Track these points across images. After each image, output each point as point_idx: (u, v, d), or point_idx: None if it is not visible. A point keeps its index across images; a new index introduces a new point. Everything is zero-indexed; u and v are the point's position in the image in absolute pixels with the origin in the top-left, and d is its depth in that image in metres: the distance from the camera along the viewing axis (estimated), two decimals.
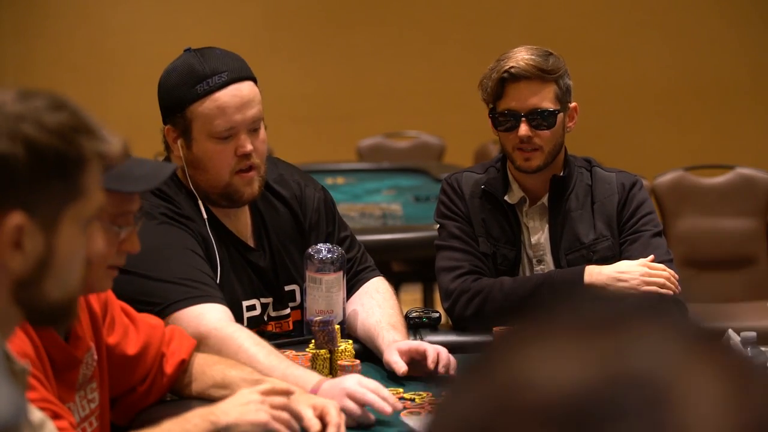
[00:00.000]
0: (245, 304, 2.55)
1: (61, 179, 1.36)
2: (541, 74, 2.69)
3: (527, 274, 2.80)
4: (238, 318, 2.47)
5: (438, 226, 2.87)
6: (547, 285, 2.66)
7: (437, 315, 2.73)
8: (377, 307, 2.59)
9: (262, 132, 2.52)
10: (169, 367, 2.19)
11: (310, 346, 2.45)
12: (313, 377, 2.22)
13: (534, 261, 2.81)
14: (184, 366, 2.21)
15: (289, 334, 2.64)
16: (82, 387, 1.96)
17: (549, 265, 2.80)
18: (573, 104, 2.78)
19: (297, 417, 2.03)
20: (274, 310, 2.62)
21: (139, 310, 2.29)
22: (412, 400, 2.30)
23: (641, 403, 0.61)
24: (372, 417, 2.14)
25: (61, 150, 1.36)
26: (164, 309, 2.34)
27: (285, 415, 1.97)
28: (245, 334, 2.32)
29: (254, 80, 2.52)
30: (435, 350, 2.38)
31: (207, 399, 2.14)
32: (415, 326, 2.68)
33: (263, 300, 2.59)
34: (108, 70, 7.58)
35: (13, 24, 7.58)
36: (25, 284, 1.35)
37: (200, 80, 2.46)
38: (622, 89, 7.55)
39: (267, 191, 2.61)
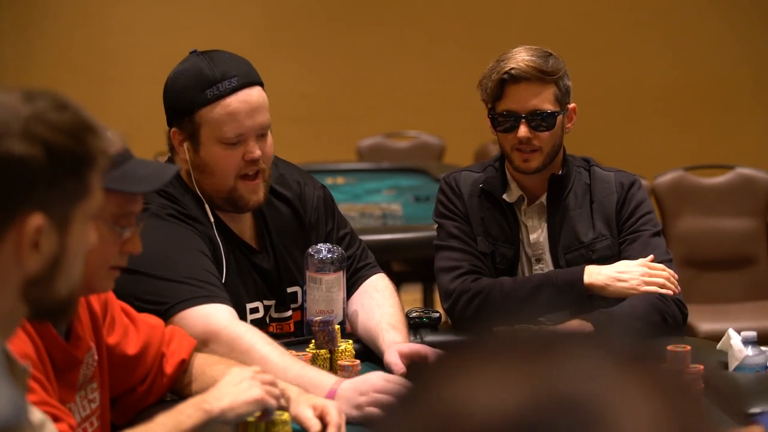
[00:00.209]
0: (249, 306, 2.56)
1: (73, 178, 1.37)
2: (541, 76, 2.69)
3: (526, 273, 2.80)
4: (242, 320, 2.47)
5: (437, 226, 2.87)
6: (547, 285, 2.66)
7: (437, 315, 2.73)
8: (377, 307, 2.59)
9: (269, 137, 2.52)
10: (169, 367, 2.19)
11: (311, 346, 2.45)
12: (329, 378, 2.22)
13: (533, 260, 2.81)
14: (184, 366, 2.21)
15: (289, 335, 2.64)
16: (83, 387, 1.96)
17: (548, 264, 2.80)
18: (572, 105, 2.78)
19: (297, 418, 2.04)
20: (276, 311, 2.62)
21: (146, 309, 2.29)
22: None
23: (574, 426, 0.62)
24: None
25: (74, 149, 1.37)
26: (171, 308, 2.34)
27: (276, 390, 1.98)
28: (257, 334, 2.32)
29: (262, 85, 2.52)
30: (436, 354, 2.37)
31: None
32: (415, 326, 2.68)
33: (266, 302, 2.59)
34: (108, 70, 7.58)
35: (13, 24, 7.58)
36: (36, 282, 1.35)
37: (210, 85, 2.45)
38: (622, 89, 7.55)
39: (269, 193, 2.61)
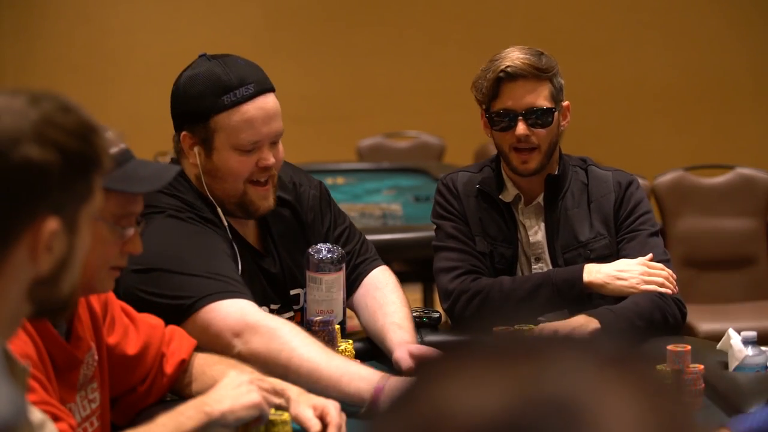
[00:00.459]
0: None
1: (82, 180, 1.37)
2: (536, 72, 2.70)
3: (525, 272, 2.81)
4: None
5: (435, 227, 2.87)
6: (546, 284, 2.66)
7: (437, 315, 2.73)
8: (380, 307, 2.58)
9: (280, 143, 2.53)
10: (170, 367, 2.19)
11: None
12: (374, 373, 2.23)
13: (532, 259, 2.81)
14: (184, 366, 2.21)
15: None
16: (83, 387, 1.96)
17: (547, 263, 2.80)
18: (566, 103, 2.79)
19: (297, 418, 2.04)
20: (279, 314, 2.61)
21: (170, 305, 2.29)
22: None
23: (558, 427, 0.63)
24: None
25: (84, 151, 1.37)
26: (198, 301, 2.32)
27: (274, 398, 1.98)
28: (296, 329, 2.32)
29: (275, 91, 2.52)
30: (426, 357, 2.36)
31: None
32: (415, 326, 2.68)
33: (273, 306, 2.59)
34: (108, 70, 7.58)
35: (13, 24, 7.58)
36: (44, 282, 1.36)
37: (227, 91, 2.43)
38: (622, 89, 7.55)
39: None
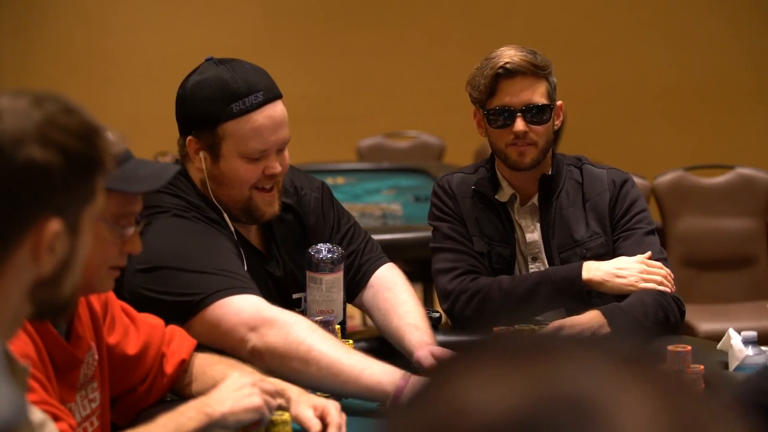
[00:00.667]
0: None
1: (85, 181, 1.37)
2: (534, 69, 2.70)
3: (522, 272, 2.81)
4: None
5: (432, 229, 2.88)
6: (545, 282, 2.66)
7: (437, 315, 2.73)
8: (393, 309, 2.56)
9: (287, 151, 2.52)
10: (170, 367, 2.19)
11: None
12: (394, 369, 2.23)
13: (529, 259, 2.82)
14: (184, 366, 2.21)
15: None
16: (83, 387, 1.96)
17: (544, 262, 2.80)
18: (559, 102, 2.79)
19: (297, 418, 2.04)
20: None
21: (177, 303, 2.29)
22: None
23: (573, 424, 0.63)
24: None
25: (87, 153, 1.37)
26: (206, 297, 2.31)
27: (273, 401, 1.98)
28: (313, 325, 2.31)
29: (282, 97, 2.51)
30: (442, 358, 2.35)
31: None
32: None
33: None
34: (108, 70, 7.59)
35: (13, 24, 7.58)
36: (45, 283, 1.36)
37: (236, 98, 2.42)
38: (622, 89, 7.55)
39: None
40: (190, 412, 1.89)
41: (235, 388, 1.95)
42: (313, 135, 7.45)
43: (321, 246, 2.55)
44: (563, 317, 2.63)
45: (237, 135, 2.43)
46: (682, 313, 2.68)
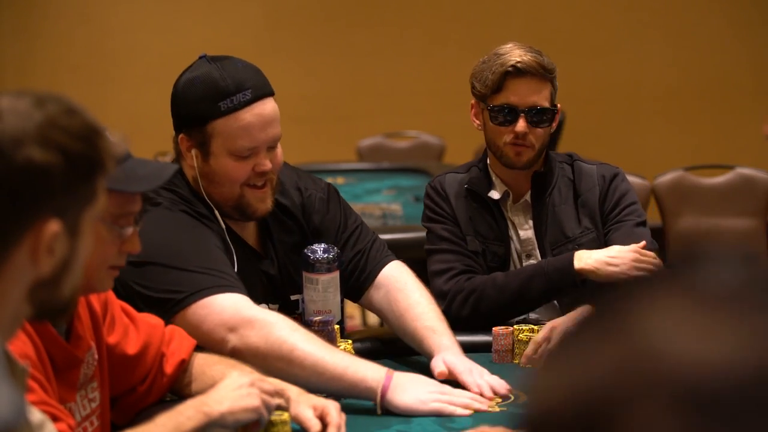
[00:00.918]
0: None
1: (86, 183, 1.37)
2: (543, 72, 2.71)
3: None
4: None
5: (426, 231, 2.87)
6: (538, 275, 2.66)
7: None
8: (406, 311, 2.54)
9: (279, 147, 2.52)
10: (169, 367, 2.19)
11: None
12: (378, 367, 2.24)
13: (523, 256, 2.82)
14: (184, 366, 2.21)
15: None
16: (83, 386, 1.96)
17: (537, 260, 2.80)
18: (558, 105, 2.80)
19: (297, 418, 2.04)
20: None
21: (161, 300, 2.29)
22: None
23: None
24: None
25: (88, 154, 1.37)
26: (189, 296, 2.31)
27: (272, 400, 1.98)
28: (294, 324, 2.31)
29: (273, 94, 2.51)
30: (475, 386, 2.31)
31: None
32: None
33: (271, 306, 2.59)
34: (108, 70, 7.59)
35: (13, 24, 7.58)
36: (45, 284, 1.36)
37: (224, 96, 2.42)
38: (622, 89, 7.56)
39: None
40: (188, 412, 1.88)
41: (234, 387, 1.95)
42: (313, 135, 7.46)
43: (316, 246, 2.54)
44: (559, 313, 2.63)
45: (225, 133, 2.43)
46: None
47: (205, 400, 1.92)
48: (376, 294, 2.63)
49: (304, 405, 2.04)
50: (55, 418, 1.71)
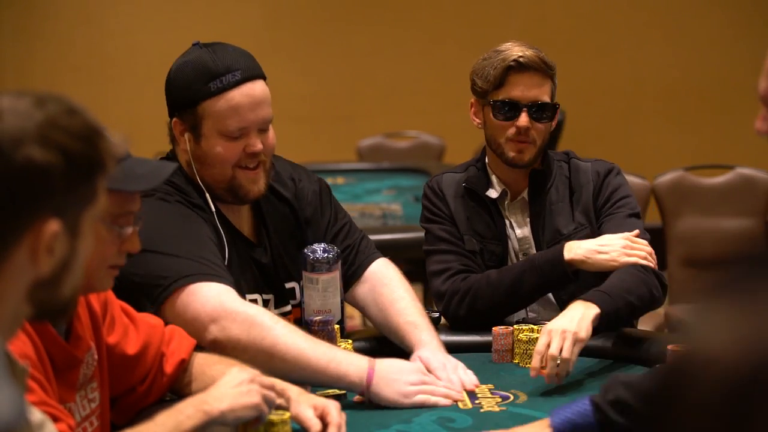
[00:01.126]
0: (248, 297, 2.56)
1: (86, 183, 1.38)
2: (545, 68, 2.73)
3: None
4: None
5: (425, 231, 2.88)
6: (530, 269, 2.66)
7: (437, 315, 2.73)
8: (390, 305, 2.57)
9: (271, 131, 2.54)
10: (169, 367, 2.19)
11: None
12: (361, 358, 2.26)
13: (520, 255, 2.82)
14: (184, 366, 2.21)
15: None
16: (83, 386, 1.96)
17: None
18: (557, 104, 2.80)
19: (297, 418, 2.04)
20: (276, 307, 2.62)
21: (148, 285, 2.30)
22: None
23: None
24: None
25: (88, 154, 1.37)
26: (174, 282, 2.32)
27: (273, 396, 1.98)
28: (275, 317, 2.32)
29: (265, 79, 2.53)
30: (447, 382, 2.33)
31: None
32: None
33: (264, 296, 2.60)
34: (108, 71, 7.58)
35: (13, 24, 7.58)
36: (45, 284, 1.36)
37: (213, 77, 2.46)
38: (622, 89, 7.55)
39: (267, 190, 2.62)
40: (188, 410, 1.88)
41: (234, 384, 1.95)
42: (313, 135, 7.45)
43: (316, 246, 2.55)
44: (556, 311, 2.63)
45: (215, 113, 2.46)
46: (665, 287, 2.65)
47: (205, 398, 1.92)
48: (362, 289, 2.65)
49: (305, 405, 2.04)
50: (55, 419, 1.71)
